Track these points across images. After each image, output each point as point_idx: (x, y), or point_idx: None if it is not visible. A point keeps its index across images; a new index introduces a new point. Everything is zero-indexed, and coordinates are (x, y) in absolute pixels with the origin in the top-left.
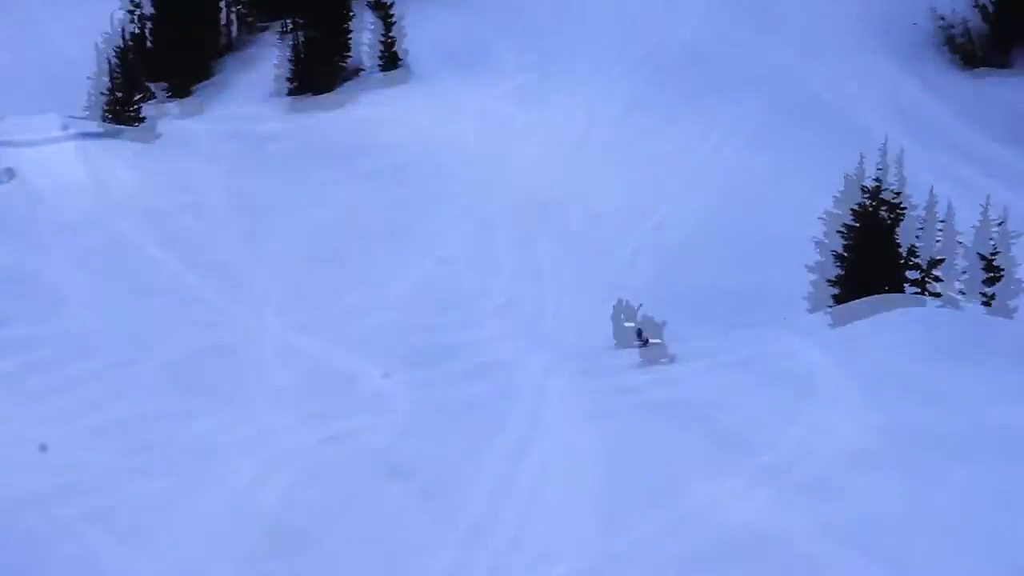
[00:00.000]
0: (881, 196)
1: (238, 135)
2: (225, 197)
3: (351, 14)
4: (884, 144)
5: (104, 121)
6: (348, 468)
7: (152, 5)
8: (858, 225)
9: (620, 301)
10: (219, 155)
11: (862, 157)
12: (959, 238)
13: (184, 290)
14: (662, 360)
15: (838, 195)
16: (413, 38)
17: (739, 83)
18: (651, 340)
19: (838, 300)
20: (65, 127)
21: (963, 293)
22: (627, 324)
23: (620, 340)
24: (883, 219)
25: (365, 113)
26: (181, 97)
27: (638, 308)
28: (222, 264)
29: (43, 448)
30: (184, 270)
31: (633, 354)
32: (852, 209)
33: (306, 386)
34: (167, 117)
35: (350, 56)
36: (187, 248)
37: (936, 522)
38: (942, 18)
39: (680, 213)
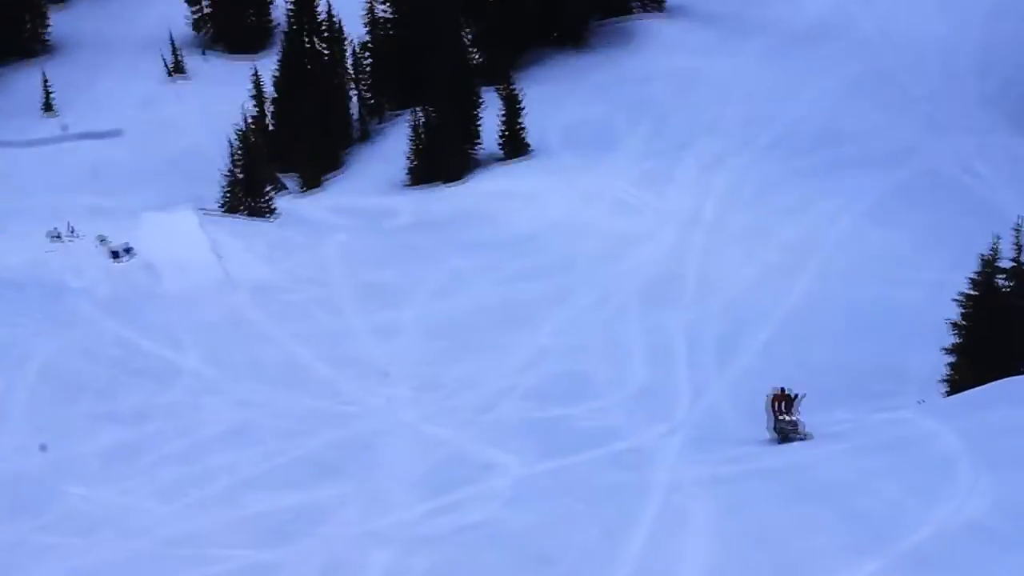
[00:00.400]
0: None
1: (368, 222)
2: (354, 285)
3: (480, 101)
4: (1018, 224)
5: (236, 212)
6: (484, 557)
7: (279, 95)
8: (994, 306)
9: (773, 389)
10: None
11: (996, 238)
12: None
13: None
14: (798, 437)
15: (974, 275)
16: (541, 124)
17: (868, 162)
18: (791, 418)
19: (975, 382)
20: (199, 223)
21: None
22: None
23: (775, 431)
24: (1017, 297)
25: (494, 200)
26: (312, 188)
27: (800, 397)
28: (356, 357)
29: (43, 448)
30: (320, 362)
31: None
32: (972, 279)
33: (441, 476)
34: (295, 203)
35: (480, 143)
36: (321, 340)
37: None
38: None
39: (813, 294)
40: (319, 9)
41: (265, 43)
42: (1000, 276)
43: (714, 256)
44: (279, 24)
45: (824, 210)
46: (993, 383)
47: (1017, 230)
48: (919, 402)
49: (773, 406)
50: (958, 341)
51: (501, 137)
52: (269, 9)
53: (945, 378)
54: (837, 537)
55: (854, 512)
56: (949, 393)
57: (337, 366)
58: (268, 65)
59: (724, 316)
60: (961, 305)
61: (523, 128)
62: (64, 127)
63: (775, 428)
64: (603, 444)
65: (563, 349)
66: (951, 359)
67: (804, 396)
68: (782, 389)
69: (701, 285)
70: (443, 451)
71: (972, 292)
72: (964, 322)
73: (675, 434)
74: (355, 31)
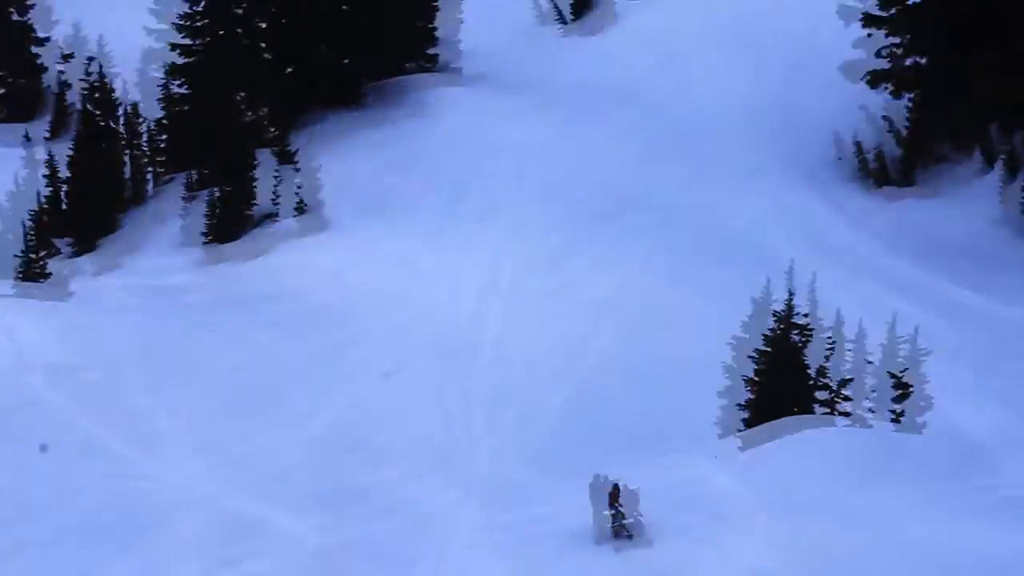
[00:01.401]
0: (791, 320)
1: (151, 289)
2: (136, 351)
3: (255, 163)
4: (790, 268)
5: (16, 280)
6: None
7: (51, 162)
8: (768, 349)
9: (597, 477)
10: (132, 309)
11: (768, 281)
12: (869, 357)
13: (91, 444)
14: (624, 535)
15: (746, 319)
16: (324, 183)
17: (666, 223)
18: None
19: (748, 424)
20: None
21: (872, 411)
22: (607, 512)
23: (598, 527)
24: (793, 342)
25: (275, 261)
26: (85, 252)
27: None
28: (131, 416)
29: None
30: (92, 424)
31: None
32: (763, 334)
33: (214, 532)
34: (80, 275)
35: (256, 204)
36: (97, 403)
37: None
38: (857, 144)
39: (612, 352)
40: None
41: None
42: (774, 319)
43: (513, 320)
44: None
45: (622, 271)
46: (767, 424)
47: (789, 275)
48: (715, 457)
49: (612, 502)
50: (750, 394)
51: (296, 207)
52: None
53: (740, 431)
54: None
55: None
56: (743, 444)
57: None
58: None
59: (521, 377)
60: (754, 361)
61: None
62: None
63: (613, 523)
64: (397, 510)
65: (358, 418)
66: (737, 410)
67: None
68: (615, 486)
69: (499, 349)
70: (214, 507)
71: (764, 348)
72: (757, 377)
73: (472, 497)
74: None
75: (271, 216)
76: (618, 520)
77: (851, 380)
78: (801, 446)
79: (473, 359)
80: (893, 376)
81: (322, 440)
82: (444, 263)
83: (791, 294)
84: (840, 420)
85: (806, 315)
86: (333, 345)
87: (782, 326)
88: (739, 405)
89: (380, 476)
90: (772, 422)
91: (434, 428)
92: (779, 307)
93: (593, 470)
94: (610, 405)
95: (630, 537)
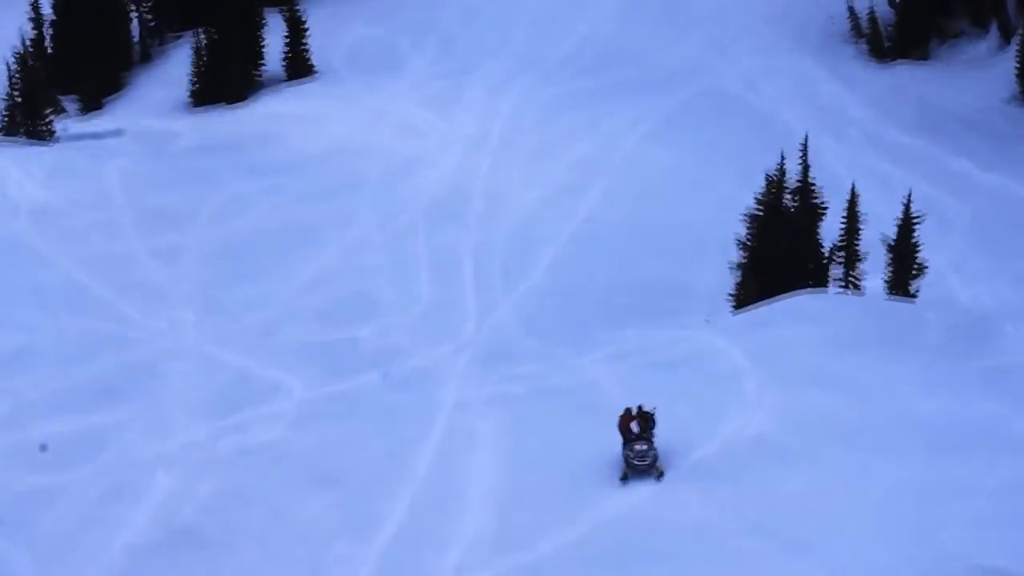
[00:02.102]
0: (783, 184)
1: (136, 134)
2: (120, 196)
3: (263, 21)
4: (805, 142)
5: (14, 136)
6: (269, 478)
7: (57, 16)
8: (773, 219)
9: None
10: (116, 153)
11: (783, 157)
12: (870, 226)
13: (76, 289)
14: (651, 473)
15: (759, 195)
16: (325, 46)
17: (654, 83)
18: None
19: (744, 291)
20: None
21: (886, 283)
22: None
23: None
24: (801, 216)
25: (278, 122)
26: (92, 111)
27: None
28: (117, 261)
29: (43, 448)
30: (77, 269)
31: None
32: (755, 196)
33: (225, 399)
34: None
35: (263, 64)
36: (82, 247)
37: (861, 512)
38: (851, 10)
39: (600, 213)
40: None
41: None
42: (787, 195)
43: (500, 177)
44: None
45: (610, 130)
46: (777, 300)
47: (803, 149)
48: (706, 320)
49: (625, 429)
50: (744, 259)
51: (285, 59)
52: None
53: (731, 295)
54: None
55: None
56: (736, 310)
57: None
58: None
59: (510, 236)
60: (747, 224)
61: (307, 50)
62: (63, 128)
63: (625, 458)
64: (389, 365)
65: (348, 270)
66: (737, 277)
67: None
68: (639, 408)
69: (487, 206)
70: (227, 374)
71: (758, 211)
72: (750, 241)
73: (462, 354)
74: None
75: (275, 79)
76: (632, 453)
77: (849, 247)
78: (814, 318)
79: (464, 217)
80: (891, 247)
81: (311, 292)
82: (430, 119)
83: (782, 158)
84: (838, 290)
85: (813, 187)
86: (320, 195)
87: (775, 190)
88: (749, 278)
89: (369, 330)
90: (785, 295)
91: (424, 283)
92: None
93: (583, 332)
94: (599, 267)
95: (661, 476)
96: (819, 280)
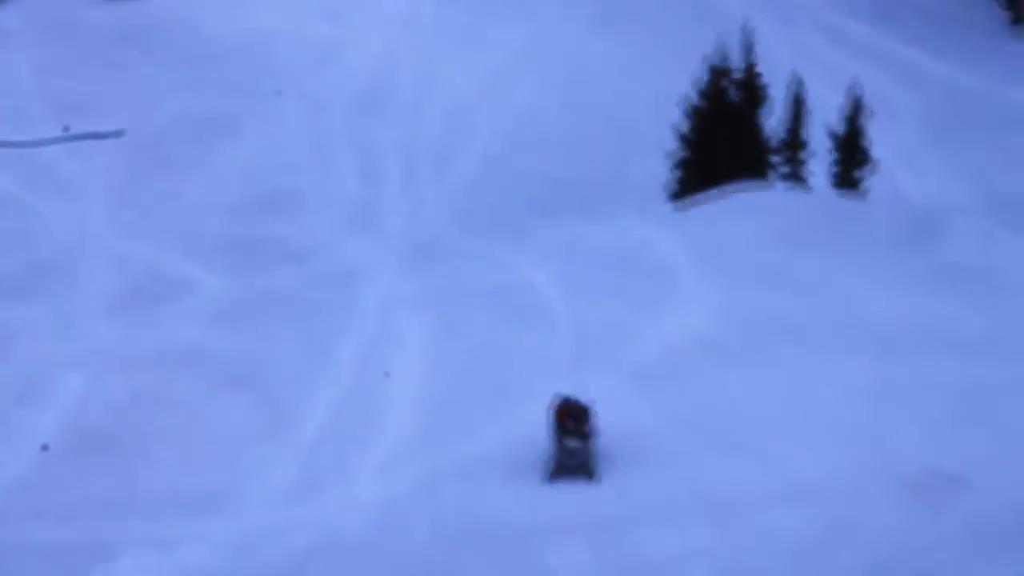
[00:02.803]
0: (737, 77)
1: (48, 21)
2: (36, 88)
3: None
4: (746, 24)
5: None
6: (184, 379)
7: None
8: (713, 108)
9: (555, 398)
10: (29, 43)
11: (723, 41)
12: (816, 117)
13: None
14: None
15: (702, 86)
16: None
17: None
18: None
19: (684, 186)
20: None
21: (832, 177)
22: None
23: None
24: (737, 102)
25: (193, 9)
26: None
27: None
28: (48, 175)
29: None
30: (8, 181)
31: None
32: (698, 89)
33: (138, 295)
34: None
35: None
36: (9, 156)
37: (808, 414)
38: None
39: (537, 103)
40: None
41: None
42: (727, 82)
43: (429, 63)
44: None
45: (545, 17)
46: (718, 194)
47: (745, 32)
48: (642, 214)
49: (559, 423)
50: (683, 151)
51: None
52: None
53: (669, 189)
54: (563, 353)
55: (576, 329)
56: (674, 204)
57: (27, 184)
58: None
59: (440, 127)
60: (688, 115)
61: None
62: (65, 128)
63: (557, 455)
64: (312, 261)
65: (269, 164)
66: (676, 170)
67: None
68: (565, 401)
69: (415, 95)
70: (140, 270)
71: (699, 103)
72: (690, 133)
73: (389, 250)
74: None
75: None
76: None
77: (803, 144)
78: (751, 211)
79: (390, 106)
80: (838, 139)
81: (230, 185)
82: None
83: (723, 42)
84: (782, 184)
85: (754, 73)
86: (239, 84)
87: (729, 83)
88: (684, 169)
89: (294, 227)
90: (722, 187)
91: (349, 176)
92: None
93: (516, 228)
94: (533, 160)
95: (593, 478)
96: (762, 174)
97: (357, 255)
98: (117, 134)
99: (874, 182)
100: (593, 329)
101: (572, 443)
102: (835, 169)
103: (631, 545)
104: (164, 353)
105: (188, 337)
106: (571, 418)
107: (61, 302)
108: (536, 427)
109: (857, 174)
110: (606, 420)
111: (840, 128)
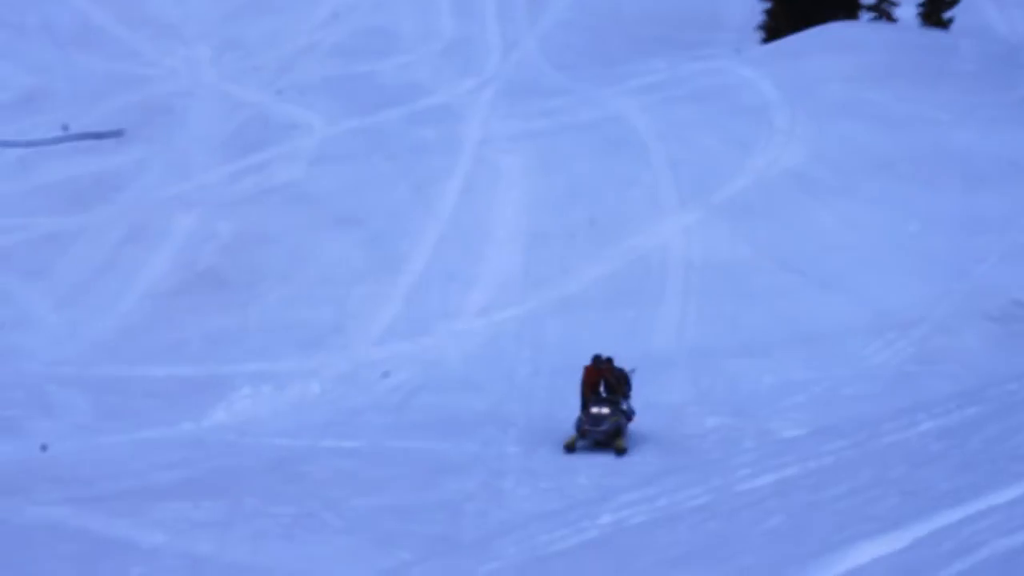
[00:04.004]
0: None
1: None
2: None
3: None
4: None
5: None
6: (291, 217)
7: None
8: None
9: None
10: None
11: None
12: None
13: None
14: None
15: None
16: None
17: None
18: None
19: (789, 28)
20: None
21: (919, 11)
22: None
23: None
24: None
25: None
26: None
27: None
28: (152, 18)
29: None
30: (114, 24)
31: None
32: None
33: (244, 138)
34: None
35: None
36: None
37: (896, 246)
38: None
39: None
40: None
41: None
42: None
43: None
44: None
45: None
46: (808, 31)
47: None
48: (736, 51)
49: (587, 389)
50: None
51: None
52: None
53: (761, 26)
54: (658, 187)
55: (672, 164)
56: (765, 41)
57: (133, 27)
58: None
59: None
60: None
61: None
62: (64, 127)
63: (576, 423)
64: (411, 100)
65: (366, 4)
66: (767, 6)
67: (634, 371)
68: (607, 362)
69: None
70: (245, 112)
71: None
72: None
73: (485, 88)
74: None
75: None
76: (599, 423)
77: None
78: (831, 46)
79: None
80: None
81: (329, 26)
82: None
83: None
84: (871, 19)
85: None
86: None
87: None
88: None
89: (389, 64)
90: (816, 27)
91: (445, 15)
92: None
93: (609, 65)
94: (646, 4)
95: (622, 453)
96: (850, 11)
97: (455, 93)
98: (117, 134)
99: (960, 15)
100: (687, 163)
101: (599, 410)
102: (922, 3)
103: (730, 376)
104: (270, 192)
105: (293, 176)
106: (604, 383)
107: (168, 144)
108: (633, 260)
109: (943, 8)
110: (698, 255)
111: None
